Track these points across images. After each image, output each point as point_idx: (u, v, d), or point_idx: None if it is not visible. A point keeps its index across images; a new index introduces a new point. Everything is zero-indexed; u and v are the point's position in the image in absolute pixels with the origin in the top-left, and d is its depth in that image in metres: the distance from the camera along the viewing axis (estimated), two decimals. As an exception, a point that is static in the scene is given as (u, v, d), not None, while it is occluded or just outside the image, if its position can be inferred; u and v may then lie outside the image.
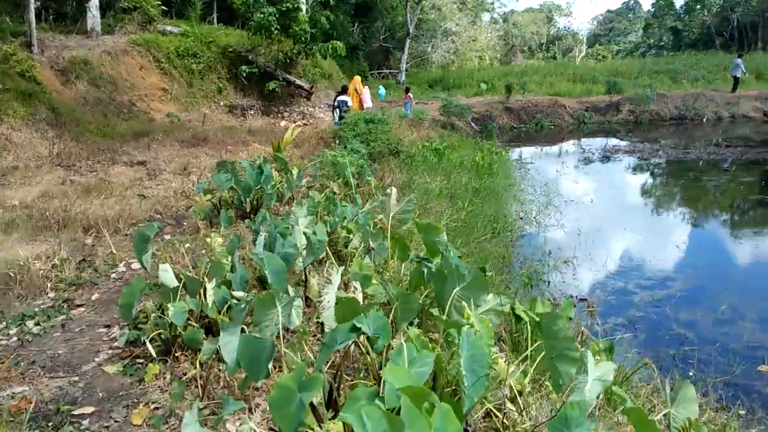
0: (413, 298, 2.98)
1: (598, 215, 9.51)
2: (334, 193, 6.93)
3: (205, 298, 3.39)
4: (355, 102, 16.32)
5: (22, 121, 11.27)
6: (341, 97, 15.32)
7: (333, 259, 4.52)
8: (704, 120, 21.04)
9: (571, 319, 3.96)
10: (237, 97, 19.45)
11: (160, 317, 3.43)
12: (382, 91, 25.18)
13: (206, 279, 3.52)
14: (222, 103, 18.79)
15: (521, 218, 8.57)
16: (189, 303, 3.39)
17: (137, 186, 8.49)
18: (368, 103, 17.65)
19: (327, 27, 20.72)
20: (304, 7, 19.91)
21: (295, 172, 7.04)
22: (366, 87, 18.66)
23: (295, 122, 19.30)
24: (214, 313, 3.25)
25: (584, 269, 6.81)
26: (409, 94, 21.13)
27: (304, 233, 4.00)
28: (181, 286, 3.52)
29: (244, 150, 11.38)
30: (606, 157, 15.42)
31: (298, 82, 20.53)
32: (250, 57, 19.84)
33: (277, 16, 19.38)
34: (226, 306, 3.40)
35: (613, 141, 18.22)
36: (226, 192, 6.31)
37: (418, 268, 3.99)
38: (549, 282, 6.29)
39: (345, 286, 4.14)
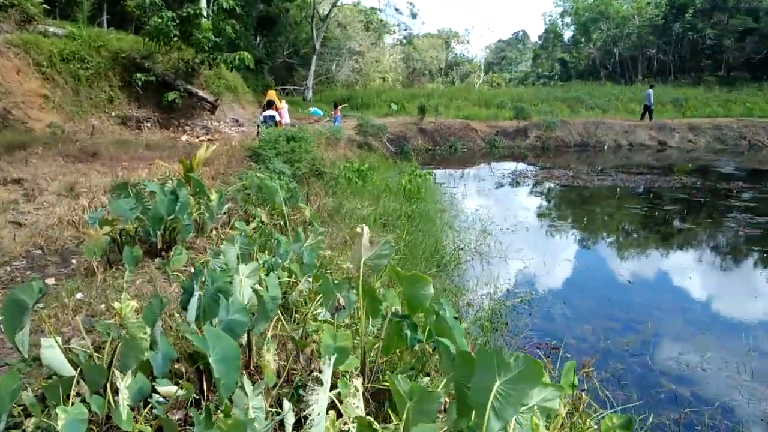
0: (434, 397, 2.11)
1: (539, 245, 9.15)
2: (263, 223, 5.90)
3: (114, 395, 2.31)
4: None
5: None
6: (267, 112, 14.28)
7: (282, 315, 3.53)
8: (605, 147, 22.09)
9: (575, 387, 3.27)
10: (131, 107, 17.54)
11: (45, 427, 2.29)
12: (317, 111, 24.35)
13: (114, 364, 2.43)
14: (114, 114, 16.83)
15: (461, 248, 7.94)
16: (90, 402, 2.29)
17: (11, 210, 6.90)
18: (286, 119, 16.72)
19: (232, 36, 19.43)
20: (205, 13, 18.45)
21: (214, 197, 5.90)
22: (283, 102, 17.62)
23: (198, 137, 17.79)
24: (129, 424, 2.18)
25: (541, 308, 6.28)
26: (338, 109, 20.73)
27: (254, 289, 3.00)
28: (77, 375, 2.40)
29: (143, 168, 9.91)
30: (530, 183, 15.37)
31: (201, 93, 18.98)
32: (146, 64, 18.06)
33: (177, 21, 17.85)
34: (146, 408, 2.34)
35: (528, 166, 18.49)
36: (129, 222, 5.06)
37: (396, 329, 3.15)
38: (507, 325, 5.65)
39: (298, 349, 3.18)
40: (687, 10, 46.32)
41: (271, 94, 15.58)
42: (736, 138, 22.54)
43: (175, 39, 18.01)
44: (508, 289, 6.70)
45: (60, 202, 7.40)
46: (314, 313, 3.50)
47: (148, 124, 17.62)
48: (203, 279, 2.84)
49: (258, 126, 14.12)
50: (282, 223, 5.99)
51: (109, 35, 18.54)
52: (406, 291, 3.07)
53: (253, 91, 27.67)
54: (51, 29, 17.32)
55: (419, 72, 79.17)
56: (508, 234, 9.27)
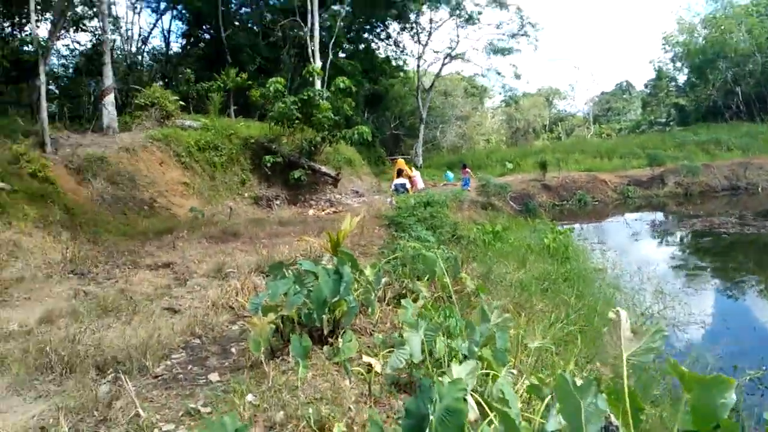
0: None
1: (735, 309, 7.72)
2: (425, 298, 5.33)
3: None
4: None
5: (33, 224, 9.94)
6: (399, 181, 14.27)
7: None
8: (759, 189, 19.70)
9: None
10: (261, 188, 18.34)
11: None
12: (449, 175, 24.62)
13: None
14: (246, 195, 17.63)
15: (642, 314, 6.83)
16: None
17: (165, 296, 6.90)
18: (421, 184, 16.74)
19: (349, 114, 19.97)
20: (324, 95, 19.25)
21: (369, 272, 5.45)
22: (414, 170, 17.64)
23: (323, 210, 18.09)
24: None
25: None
26: (467, 169, 20.87)
27: (490, 405, 2.34)
28: None
29: (282, 243, 9.90)
30: (687, 233, 13.58)
31: (323, 169, 19.51)
32: (273, 147, 18.99)
33: (299, 105, 18.73)
34: None
35: (670, 216, 16.62)
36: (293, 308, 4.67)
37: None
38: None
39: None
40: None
41: (401, 163, 15.54)
42: None
43: (297, 121, 18.88)
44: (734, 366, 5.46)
45: (210, 284, 7.36)
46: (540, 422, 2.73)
47: (278, 202, 18.25)
48: (432, 393, 2.21)
49: (392, 194, 14.04)
50: (446, 296, 5.37)
51: (238, 124, 19.80)
52: (696, 397, 2.26)
53: (368, 163, 28.37)
54: (187, 123, 18.82)
55: (522, 131, 78.46)
56: (690, 295, 7.94)
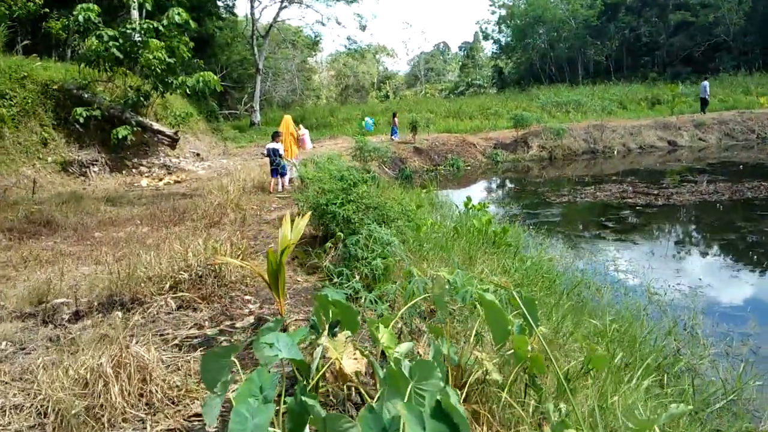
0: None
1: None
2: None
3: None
4: (292, 146, 12.46)
5: None
6: (271, 145, 11.37)
7: None
8: (615, 152, 20.47)
9: None
10: (71, 150, 14.06)
11: None
12: (369, 123, 21.71)
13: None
14: (50, 160, 13.30)
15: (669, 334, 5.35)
16: None
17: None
18: (309, 144, 13.99)
19: (188, 56, 16.14)
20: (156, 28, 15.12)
21: (387, 338, 3.13)
22: (302, 128, 14.72)
23: (160, 179, 14.52)
24: None
25: None
26: (396, 118, 20.16)
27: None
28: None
29: (132, 241, 6.82)
30: (611, 207, 12.67)
31: (156, 126, 15.68)
32: (85, 96, 14.65)
33: (121, 41, 14.55)
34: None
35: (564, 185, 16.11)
36: None
37: None
38: None
39: None
40: (619, 9, 46.68)
41: (288, 121, 12.63)
42: (744, 131, 21.63)
43: (118, 64, 14.72)
44: None
45: (33, 343, 4.24)
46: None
47: (95, 169, 14.17)
48: None
49: (275, 163, 11.23)
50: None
51: (33, 63, 14.89)
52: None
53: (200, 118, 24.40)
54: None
55: (352, 88, 77.44)
56: (685, 296, 6.68)
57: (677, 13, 43.11)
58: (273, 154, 11.17)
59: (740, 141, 21.15)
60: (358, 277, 4.39)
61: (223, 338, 3.96)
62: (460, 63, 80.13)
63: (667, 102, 27.02)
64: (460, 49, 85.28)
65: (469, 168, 19.31)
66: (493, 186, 17.22)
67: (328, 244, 5.03)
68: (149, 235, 7.58)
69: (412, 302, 3.06)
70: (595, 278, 6.64)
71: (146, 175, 14.93)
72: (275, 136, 11.61)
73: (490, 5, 56.05)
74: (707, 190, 13.07)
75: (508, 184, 17.05)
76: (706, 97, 23.60)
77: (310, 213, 4.00)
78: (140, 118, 15.29)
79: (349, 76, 75.97)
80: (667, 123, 21.83)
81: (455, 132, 22.20)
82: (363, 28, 38.75)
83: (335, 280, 4.35)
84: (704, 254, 9.04)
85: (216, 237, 6.55)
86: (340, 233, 4.90)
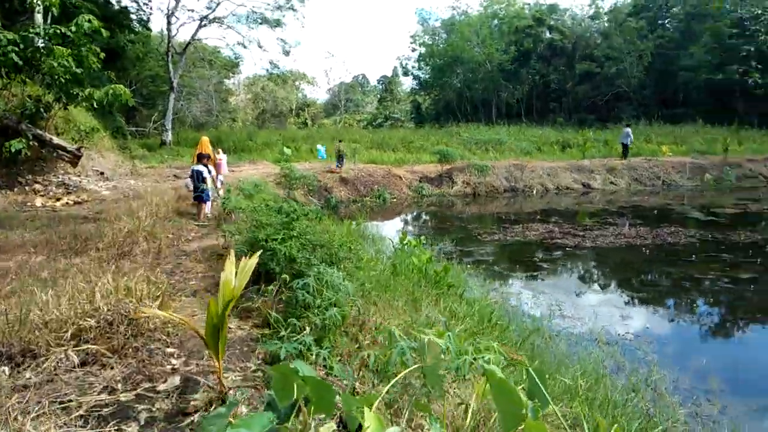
0: None
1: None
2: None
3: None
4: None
5: None
6: (197, 167, 10.39)
7: None
8: (534, 191, 21.03)
9: None
10: (-49, 162, 12.31)
11: None
12: (322, 151, 20.53)
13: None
14: (-76, 173, 11.54)
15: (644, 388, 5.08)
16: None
17: None
18: (225, 169, 13.01)
19: (97, 67, 14.78)
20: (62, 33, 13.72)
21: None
22: (221, 152, 13.67)
23: (57, 199, 13.03)
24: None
25: None
26: (341, 145, 20.04)
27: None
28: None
29: (22, 277, 5.78)
30: (544, 248, 12.61)
31: (57, 140, 14.15)
32: (-27, 103, 12.97)
33: (20, 46, 13.07)
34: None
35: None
36: None
37: None
38: None
39: None
40: (531, 56, 49.50)
41: (205, 143, 11.68)
42: (651, 177, 23.03)
43: (15, 71, 13.18)
44: None
45: None
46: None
47: (-20, 185, 12.48)
48: None
49: (200, 189, 10.27)
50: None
51: None
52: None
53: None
54: None
55: (269, 113, 76.26)
56: (636, 346, 6.45)
57: (583, 63, 46.26)
58: (196, 176, 10.26)
59: (648, 186, 22.53)
60: (308, 329, 3.77)
61: (141, 407, 3.19)
62: (379, 96, 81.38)
63: (577, 146, 28.49)
64: (379, 83, 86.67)
65: (395, 200, 19.12)
66: (421, 220, 17.08)
67: (270, 288, 4.37)
68: (45, 266, 6.49)
69: (401, 375, 2.51)
70: (543, 324, 6.39)
71: (42, 193, 13.35)
72: (200, 158, 10.71)
73: (411, 42, 57.71)
74: (630, 233, 13.51)
75: (436, 219, 16.98)
76: (628, 143, 24.87)
77: (258, 254, 3.35)
78: (38, 131, 13.77)
79: (267, 101, 74.78)
80: (581, 166, 22.91)
81: (379, 163, 22.04)
82: (287, 53, 38.00)
83: (282, 333, 3.70)
84: (644, 301, 9.10)
85: (127, 272, 5.68)
86: (284, 275, 4.27)
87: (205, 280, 6.18)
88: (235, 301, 5.17)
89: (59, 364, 3.71)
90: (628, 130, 25.21)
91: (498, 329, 5.61)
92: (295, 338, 3.64)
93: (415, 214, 18.15)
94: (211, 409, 3.03)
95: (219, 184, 11.28)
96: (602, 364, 5.24)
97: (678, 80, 40.93)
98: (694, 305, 8.75)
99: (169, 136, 32.04)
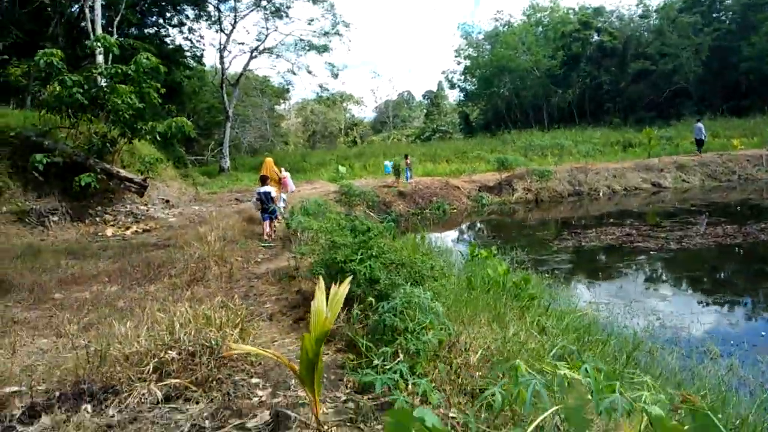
0: None
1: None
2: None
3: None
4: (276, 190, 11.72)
5: None
6: (263, 189, 10.51)
7: None
8: (600, 194, 20.20)
9: None
10: (28, 198, 12.90)
11: None
12: (389, 164, 21.34)
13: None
14: (5, 209, 12.09)
15: None
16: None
17: None
18: (292, 186, 13.23)
19: (157, 102, 15.21)
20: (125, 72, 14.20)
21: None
22: (284, 170, 13.88)
23: (126, 228, 13.36)
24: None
25: None
26: (408, 159, 20.20)
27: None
28: None
29: (99, 305, 5.76)
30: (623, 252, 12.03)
31: (123, 173, 14.58)
32: (45, 143, 13.58)
33: (85, 86, 13.63)
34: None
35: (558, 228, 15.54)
36: None
37: None
38: None
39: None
40: (580, 59, 48.24)
41: (270, 163, 11.86)
42: (726, 173, 21.72)
43: (83, 109, 13.74)
44: None
45: None
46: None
47: (55, 218, 12.98)
48: None
49: (259, 208, 10.41)
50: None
51: (-12, 111, 13.79)
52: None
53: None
54: None
55: (320, 134, 77.59)
56: (752, 357, 5.81)
57: (637, 62, 44.65)
58: (266, 198, 10.30)
59: (723, 182, 21.22)
60: (402, 356, 3.47)
61: (234, 447, 2.96)
62: (425, 110, 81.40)
63: (640, 145, 27.31)
64: (424, 98, 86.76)
65: (455, 211, 18.73)
66: (484, 230, 16.60)
67: (356, 311, 4.10)
68: (120, 295, 6.50)
69: (540, 419, 2.15)
70: (643, 336, 5.86)
71: (111, 223, 13.73)
72: (264, 180, 10.79)
73: (456, 56, 57.43)
74: (717, 233, 12.60)
75: (500, 228, 16.47)
76: (702, 138, 23.76)
77: (349, 280, 3.08)
78: (106, 165, 14.23)
79: (317, 123, 76.23)
80: (649, 165, 21.83)
81: (434, 175, 21.74)
82: (335, 76, 38.35)
83: (375, 361, 3.41)
84: (751, 306, 8.31)
85: (202, 297, 5.56)
86: (371, 298, 4.01)
87: (278, 303, 6.01)
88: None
89: (142, 400, 3.54)
90: (700, 125, 23.91)
91: (598, 344, 5.13)
92: (388, 366, 3.34)
93: (477, 223, 17.70)
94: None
95: (282, 203, 11.31)
96: (722, 379, 4.68)
97: (740, 71, 38.84)
98: None
99: (227, 163, 32.90)
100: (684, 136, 28.57)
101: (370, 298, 3.97)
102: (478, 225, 17.42)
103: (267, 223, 10.66)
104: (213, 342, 4.00)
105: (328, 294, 3.07)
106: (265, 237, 10.42)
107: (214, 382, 3.70)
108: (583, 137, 30.58)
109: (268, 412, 3.31)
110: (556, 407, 2.14)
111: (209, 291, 6.13)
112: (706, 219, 14.51)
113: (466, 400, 3.77)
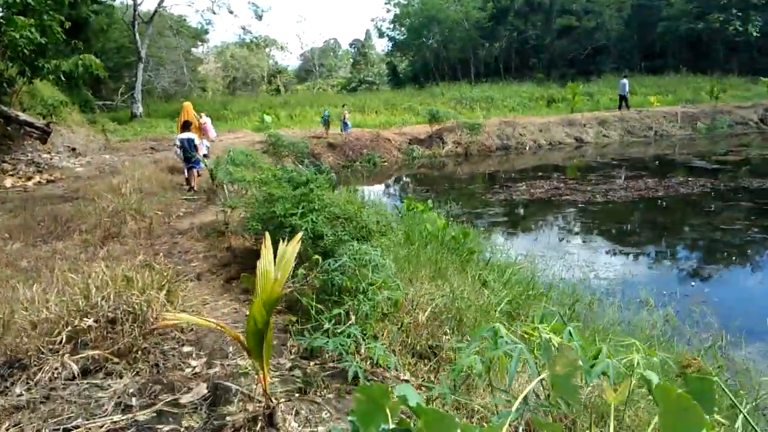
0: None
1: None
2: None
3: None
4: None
5: None
6: (184, 135, 9.66)
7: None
8: (527, 148, 20.49)
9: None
10: None
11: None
12: (327, 113, 20.00)
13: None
14: None
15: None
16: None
17: None
18: (212, 133, 12.27)
19: (61, 37, 13.65)
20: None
21: None
22: (204, 116, 12.84)
23: (28, 178, 12.11)
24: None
25: None
26: (347, 110, 19.76)
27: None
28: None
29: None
30: (551, 204, 12.20)
31: (23, 117, 13.12)
32: (-75, 80, 11.87)
33: (-22, 17, 11.97)
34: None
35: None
36: None
37: None
38: None
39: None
40: (508, 12, 48.41)
41: (188, 108, 10.89)
42: (644, 128, 22.60)
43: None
44: None
45: None
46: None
47: (-58, 169, 11.51)
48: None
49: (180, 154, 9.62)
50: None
51: None
52: None
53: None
54: None
55: (241, 81, 74.17)
56: (686, 307, 5.94)
57: (562, 17, 45.37)
58: (188, 145, 9.54)
59: (641, 137, 22.17)
60: (353, 318, 3.19)
61: (166, 428, 2.59)
62: (352, 60, 79.55)
63: (563, 100, 27.96)
64: (351, 46, 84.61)
65: (386, 164, 18.46)
66: (417, 183, 16.46)
67: (300, 271, 3.75)
68: (23, 253, 5.78)
69: (529, 389, 1.92)
70: (581, 289, 5.92)
71: (10, 173, 12.41)
72: (186, 126, 9.96)
73: (386, 3, 55.88)
74: (639, 186, 13.09)
75: (432, 181, 16.40)
76: (626, 94, 24.46)
77: (299, 236, 2.72)
78: (2, 107, 12.72)
79: (237, 69, 72.63)
80: (572, 120, 22.38)
81: (363, 127, 21.27)
82: (259, 17, 36.38)
83: (326, 325, 3.10)
84: (679, 258, 8.66)
85: (120, 257, 5.02)
86: (317, 256, 3.67)
87: (207, 261, 5.54)
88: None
89: (55, 376, 3.08)
90: (625, 81, 24.69)
91: (538, 297, 5.10)
92: (340, 330, 3.06)
93: (408, 177, 17.56)
94: (256, 427, 2.45)
95: (205, 150, 10.58)
96: (660, 330, 4.80)
97: (658, 31, 40.44)
98: (734, 259, 8.32)
99: (139, 108, 30.79)
100: (603, 92, 29.55)
101: (316, 256, 3.64)
102: (410, 178, 17.29)
103: (190, 172, 9.95)
104: (136, 307, 3.54)
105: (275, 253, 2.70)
106: (188, 188, 9.74)
107: (140, 353, 3.28)
108: (509, 91, 30.92)
109: (204, 385, 2.95)
110: (543, 375, 1.94)
111: (127, 249, 5.56)
112: (627, 173, 15.11)
113: (415, 360, 3.60)
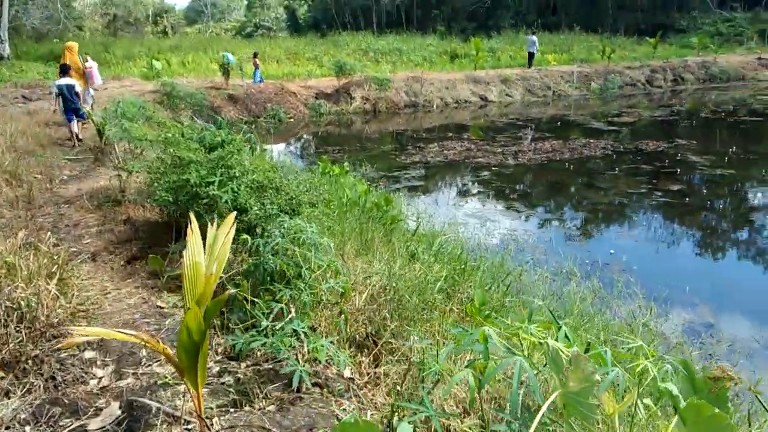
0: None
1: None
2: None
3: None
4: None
5: None
6: (62, 81, 8.36)
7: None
8: (434, 106, 20.29)
9: None
10: None
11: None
12: (231, 57, 18.25)
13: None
14: None
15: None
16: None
17: None
18: (98, 79, 10.84)
19: None
20: None
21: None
22: (90, 60, 11.21)
23: None
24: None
25: None
26: (257, 59, 19.00)
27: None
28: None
29: None
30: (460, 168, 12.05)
31: None
32: None
33: None
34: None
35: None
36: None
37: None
38: None
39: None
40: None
41: (72, 48, 9.42)
42: (543, 88, 23.08)
43: None
44: None
45: None
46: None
47: None
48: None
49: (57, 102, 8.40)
50: None
51: None
52: None
53: None
54: None
55: (122, 20, 67.79)
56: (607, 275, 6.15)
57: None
58: (68, 92, 8.33)
59: (540, 97, 22.75)
60: (293, 310, 2.79)
61: (73, 465, 2.10)
62: (246, 2, 75.39)
63: (465, 56, 28.04)
64: (249, -12, 79.99)
65: (291, 120, 17.55)
66: (326, 142, 15.74)
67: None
68: None
69: (543, 408, 1.63)
70: (506, 259, 5.85)
71: None
72: (65, 71, 8.70)
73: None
74: (546, 148, 13.35)
75: (342, 141, 15.81)
76: (534, 51, 24.74)
77: (233, 215, 2.26)
78: None
79: (118, 6, 66.12)
80: (477, 77, 22.47)
81: (266, 78, 20.06)
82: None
83: (264, 322, 2.68)
84: (593, 223, 8.94)
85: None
86: (244, 235, 3.18)
87: (102, 237, 4.81)
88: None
89: None
90: (534, 38, 25.05)
91: (468, 270, 4.94)
92: (279, 327, 2.66)
93: (317, 135, 16.84)
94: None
95: (90, 99, 9.36)
96: (589, 302, 4.84)
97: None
98: (645, 225, 8.70)
99: (6, 50, 26.99)
100: (504, 49, 30.01)
101: (244, 236, 3.16)
102: (319, 137, 16.60)
103: (72, 124, 8.77)
104: (23, 303, 2.91)
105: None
106: (72, 143, 8.59)
107: (30, 362, 2.69)
108: (415, 44, 30.55)
109: (116, 404, 2.45)
110: (557, 393, 1.69)
111: (3, 223, 4.69)
112: (532, 134, 15.50)
113: (354, 351, 3.27)
